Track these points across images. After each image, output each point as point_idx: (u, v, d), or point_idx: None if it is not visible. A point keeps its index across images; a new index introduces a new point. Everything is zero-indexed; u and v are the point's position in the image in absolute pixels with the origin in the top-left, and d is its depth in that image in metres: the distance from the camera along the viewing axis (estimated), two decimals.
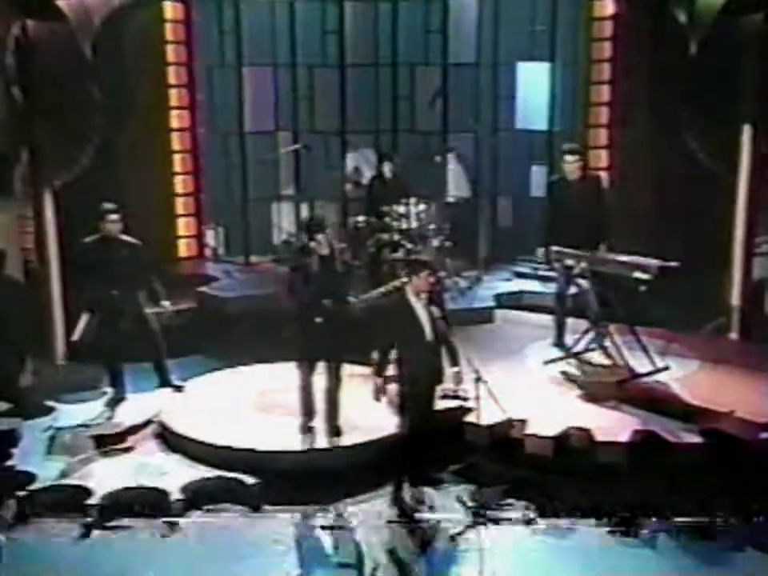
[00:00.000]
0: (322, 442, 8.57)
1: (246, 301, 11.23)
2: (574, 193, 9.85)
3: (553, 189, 10.19)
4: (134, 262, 9.35)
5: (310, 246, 8.38)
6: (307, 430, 8.71)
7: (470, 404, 8.25)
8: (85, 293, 9.39)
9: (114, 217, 9.36)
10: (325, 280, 8.38)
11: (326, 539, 7.57)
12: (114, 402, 9.51)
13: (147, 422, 9.10)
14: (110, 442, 8.76)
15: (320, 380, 8.75)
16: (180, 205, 12.99)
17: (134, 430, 9.00)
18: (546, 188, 10.59)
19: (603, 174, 10.92)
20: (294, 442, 8.61)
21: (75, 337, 9.52)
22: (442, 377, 8.13)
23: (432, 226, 11.62)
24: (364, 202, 12.01)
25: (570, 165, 9.84)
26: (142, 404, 9.42)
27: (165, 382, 9.69)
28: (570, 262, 9.79)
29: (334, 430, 8.66)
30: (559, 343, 10.07)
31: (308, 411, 8.71)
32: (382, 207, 11.40)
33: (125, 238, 9.44)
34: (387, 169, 11.73)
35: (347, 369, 9.83)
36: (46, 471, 8.26)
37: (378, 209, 11.47)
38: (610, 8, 12.30)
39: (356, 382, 9.66)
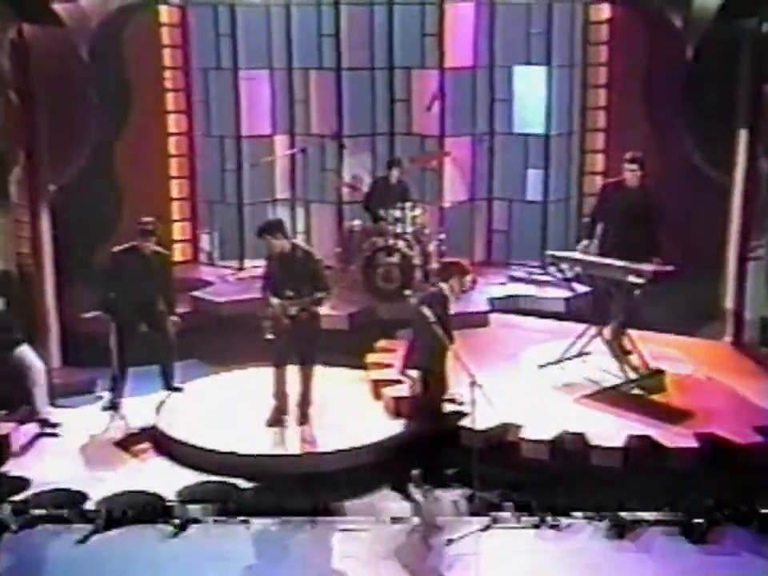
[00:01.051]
0: (317, 445, 8.58)
1: (240, 305, 11.22)
2: (630, 200, 9.66)
3: (607, 192, 10.06)
4: (161, 270, 9.49)
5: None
6: (277, 421, 8.89)
7: (465, 408, 8.24)
8: (108, 298, 9.42)
9: (153, 237, 9.45)
10: (284, 279, 8.60)
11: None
12: (111, 406, 9.51)
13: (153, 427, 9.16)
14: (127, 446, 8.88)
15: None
16: (175, 209, 13.00)
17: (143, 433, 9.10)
18: (599, 190, 10.38)
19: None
20: (288, 446, 8.62)
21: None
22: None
23: (427, 230, 11.64)
24: (367, 205, 12.02)
25: (633, 173, 9.66)
26: (138, 408, 9.44)
27: (167, 386, 9.73)
28: (565, 265, 9.79)
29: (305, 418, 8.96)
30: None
31: (278, 397, 8.96)
32: (385, 210, 11.43)
33: (155, 248, 9.51)
34: (395, 174, 11.76)
35: (343, 373, 9.92)
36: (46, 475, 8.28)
37: (379, 212, 11.49)
38: (606, 12, 12.32)
39: (351, 385, 9.72)
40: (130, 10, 11.85)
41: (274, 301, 8.54)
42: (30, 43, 10.15)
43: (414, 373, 8.37)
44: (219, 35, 12.51)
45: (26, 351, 9.08)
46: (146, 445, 8.90)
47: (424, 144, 12.73)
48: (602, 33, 12.36)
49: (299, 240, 9.52)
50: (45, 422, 9.10)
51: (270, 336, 8.62)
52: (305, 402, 9.01)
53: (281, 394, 8.99)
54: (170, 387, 9.70)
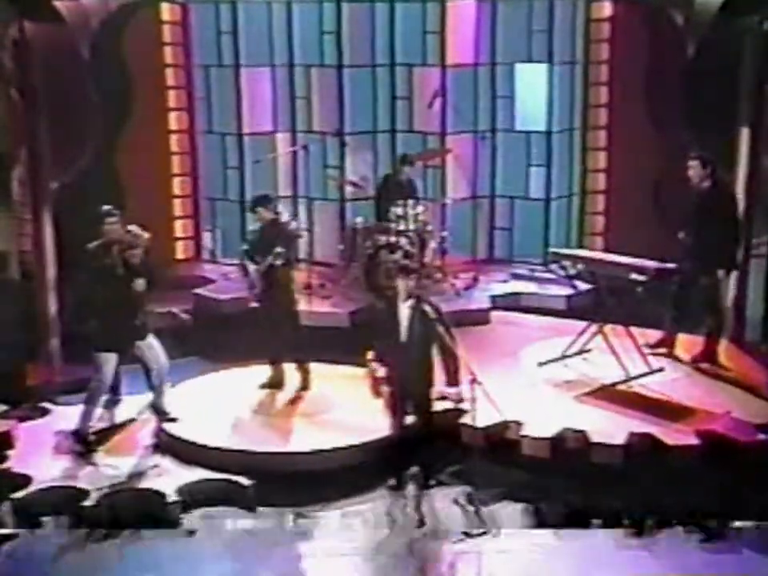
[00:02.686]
0: (316, 444, 8.59)
1: (242, 302, 11.21)
2: (697, 201, 9.60)
3: (691, 194, 9.81)
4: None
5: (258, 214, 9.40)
6: (271, 386, 9.45)
7: (465, 406, 8.24)
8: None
9: (113, 219, 9.27)
10: (261, 247, 9.23)
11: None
12: (111, 403, 9.50)
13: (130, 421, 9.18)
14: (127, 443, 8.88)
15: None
16: (177, 206, 13.01)
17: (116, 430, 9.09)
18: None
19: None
20: (290, 443, 8.62)
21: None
22: (430, 380, 8.17)
23: (430, 228, 11.65)
24: (375, 203, 12.05)
25: (694, 170, 9.57)
26: (139, 406, 9.45)
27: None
28: (567, 263, 9.78)
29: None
30: None
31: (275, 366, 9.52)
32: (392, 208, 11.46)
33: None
34: (406, 170, 11.80)
35: (344, 371, 9.93)
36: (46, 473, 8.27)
37: (387, 209, 11.52)
38: (607, 9, 12.32)
39: (351, 383, 9.72)
40: (132, 8, 11.85)
41: (249, 266, 9.23)
42: (31, 41, 10.14)
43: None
44: (220, 32, 12.52)
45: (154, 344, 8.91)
46: (146, 441, 8.91)
47: (426, 141, 12.73)
48: (603, 30, 12.37)
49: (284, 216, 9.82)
50: (163, 415, 9.06)
51: (254, 304, 9.35)
52: (302, 364, 9.50)
53: (277, 364, 9.48)
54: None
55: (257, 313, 9.44)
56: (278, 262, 9.07)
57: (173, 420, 8.98)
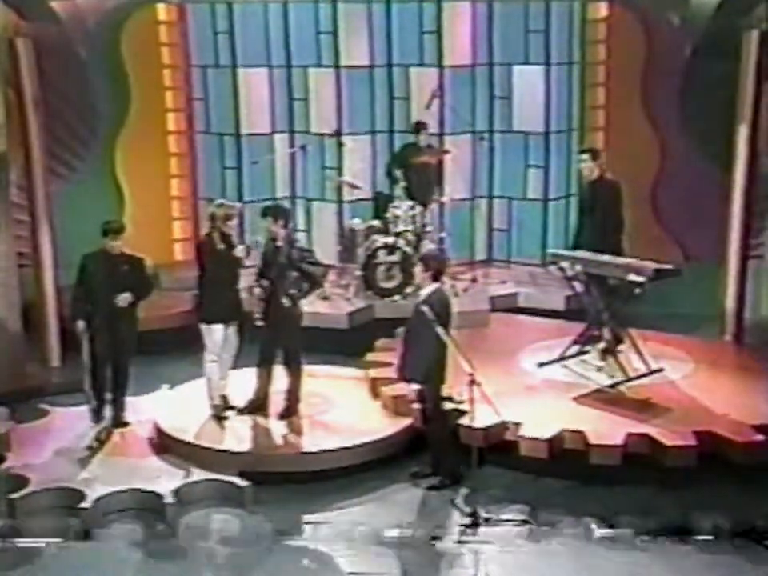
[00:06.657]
0: (314, 444, 8.58)
1: None
2: (588, 195, 9.88)
3: (579, 190, 10.20)
4: (134, 275, 8.99)
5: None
6: (250, 411, 9.06)
7: (464, 406, 8.23)
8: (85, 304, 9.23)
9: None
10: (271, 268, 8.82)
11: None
12: (118, 404, 9.46)
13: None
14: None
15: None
16: (175, 207, 13.00)
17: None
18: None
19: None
20: (287, 444, 8.62)
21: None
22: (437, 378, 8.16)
23: (429, 228, 11.64)
24: (373, 204, 12.08)
25: (585, 164, 9.81)
26: (137, 406, 9.43)
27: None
28: (565, 264, 9.77)
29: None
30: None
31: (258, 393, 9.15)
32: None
33: (126, 252, 9.16)
34: (423, 138, 11.89)
35: (342, 371, 9.92)
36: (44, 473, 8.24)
37: (385, 210, 11.53)
38: (604, 10, 12.32)
39: (350, 384, 9.72)
40: (128, 8, 11.85)
41: (264, 283, 8.79)
42: (27, 41, 10.14)
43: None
44: (217, 33, 12.51)
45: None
46: (143, 442, 8.90)
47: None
48: (600, 31, 12.39)
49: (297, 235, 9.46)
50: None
51: (259, 323, 8.83)
52: (292, 398, 9.07)
53: (262, 391, 9.12)
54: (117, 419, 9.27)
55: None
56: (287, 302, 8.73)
57: (232, 408, 9.14)
